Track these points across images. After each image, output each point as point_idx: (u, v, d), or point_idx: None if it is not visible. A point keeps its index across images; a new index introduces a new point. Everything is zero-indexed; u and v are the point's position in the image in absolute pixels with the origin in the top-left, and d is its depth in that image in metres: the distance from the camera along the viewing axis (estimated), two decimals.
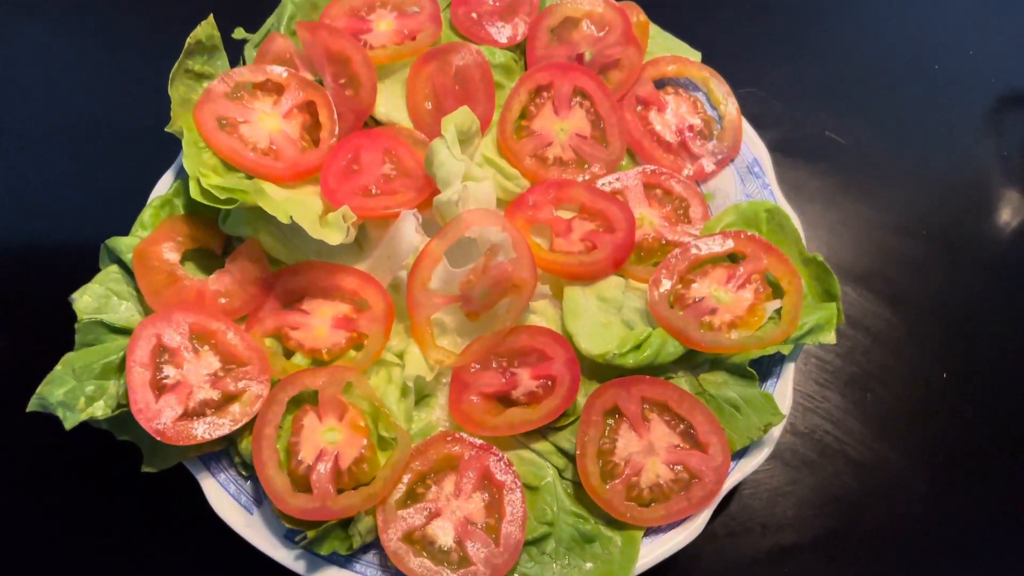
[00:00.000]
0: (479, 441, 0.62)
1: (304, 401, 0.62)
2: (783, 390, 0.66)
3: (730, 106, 0.76)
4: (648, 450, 0.62)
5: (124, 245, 0.66)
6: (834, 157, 0.86)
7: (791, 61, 0.81)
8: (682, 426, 0.63)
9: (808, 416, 0.76)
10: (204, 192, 0.63)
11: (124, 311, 0.65)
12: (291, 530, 0.60)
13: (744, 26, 0.79)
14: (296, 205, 0.65)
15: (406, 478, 0.61)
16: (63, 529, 0.70)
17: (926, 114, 0.89)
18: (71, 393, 0.60)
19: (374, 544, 0.61)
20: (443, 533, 0.59)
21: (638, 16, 0.77)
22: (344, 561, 0.61)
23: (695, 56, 0.78)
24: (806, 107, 0.77)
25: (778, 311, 0.66)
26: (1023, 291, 0.82)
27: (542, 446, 0.65)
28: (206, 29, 0.69)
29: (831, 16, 0.93)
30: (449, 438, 0.62)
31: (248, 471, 0.63)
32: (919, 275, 0.82)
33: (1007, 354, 0.79)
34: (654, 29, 0.79)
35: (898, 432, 0.75)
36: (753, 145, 0.76)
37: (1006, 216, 0.85)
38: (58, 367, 0.61)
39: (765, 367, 0.67)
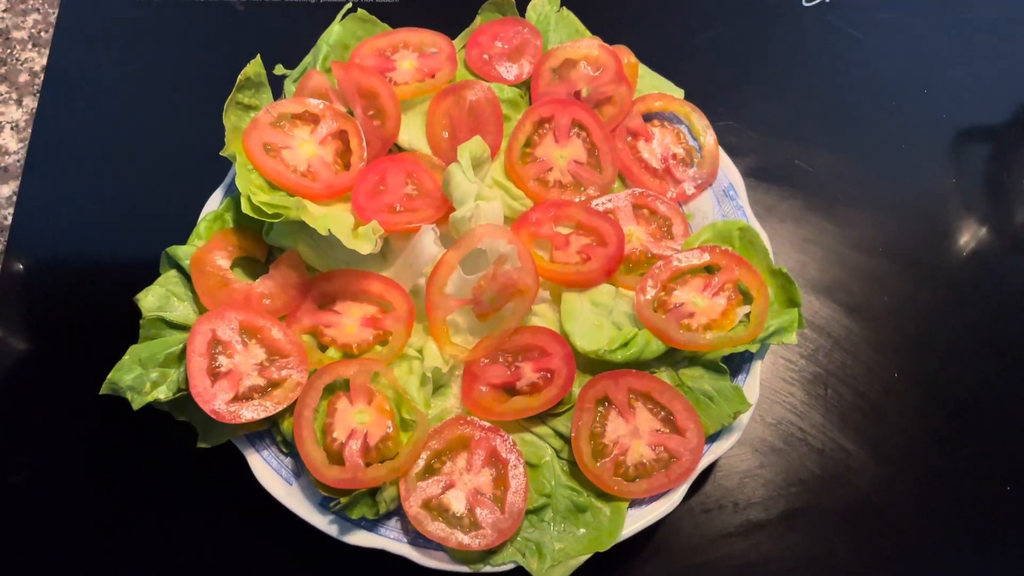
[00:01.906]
0: (488, 424, 0.72)
1: (337, 388, 0.72)
2: (751, 384, 0.76)
3: (708, 137, 0.86)
4: (633, 433, 0.72)
5: (182, 253, 0.76)
6: (801, 182, 0.96)
7: (764, 98, 0.91)
8: (663, 413, 0.73)
9: (775, 408, 0.85)
10: (255, 208, 0.73)
11: (182, 310, 0.75)
12: (325, 498, 0.70)
13: (723, 66, 0.89)
14: (332, 220, 0.75)
15: (425, 454, 0.70)
16: (129, 497, 0.80)
17: (885, 145, 0.99)
18: (138, 379, 0.70)
19: (396, 512, 0.71)
20: (456, 501, 0.69)
21: (629, 58, 0.87)
22: (371, 525, 0.70)
23: (678, 93, 0.89)
24: (777, 138, 0.87)
25: (747, 315, 0.76)
26: (968, 303, 0.91)
27: (542, 430, 0.74)
28: (254, 67, 0.80)
29: (799, 59, 1.04)
30: (462, 421, 0.72)
31: (288, 448, 0.72)
32: (875, 287, 0.91)
33: (952, 357, 0.88)
34: (643, 69, 0.89)
35: (854, 424, 0.85)
36: (729, 171, 0.86)
37: (955, 235, 0.95)
38: (126, 356, 0.71)
39: (736, 364, 0.77)
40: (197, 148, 0.84)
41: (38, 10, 1.06)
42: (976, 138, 1.01)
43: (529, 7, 0.90)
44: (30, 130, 0.99)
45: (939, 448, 0.84)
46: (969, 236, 0.95)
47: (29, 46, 1.04)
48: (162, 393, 0.70)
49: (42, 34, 1.04)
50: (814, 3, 1.03)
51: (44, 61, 1.03)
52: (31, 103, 1.00)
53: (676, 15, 0.98)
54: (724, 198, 0.85)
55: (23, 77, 1.02)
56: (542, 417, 0.74)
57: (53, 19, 1.05)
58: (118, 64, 1.01)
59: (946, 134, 1.01)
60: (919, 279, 0.92)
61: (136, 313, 0.74)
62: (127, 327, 0.74)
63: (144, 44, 1.03)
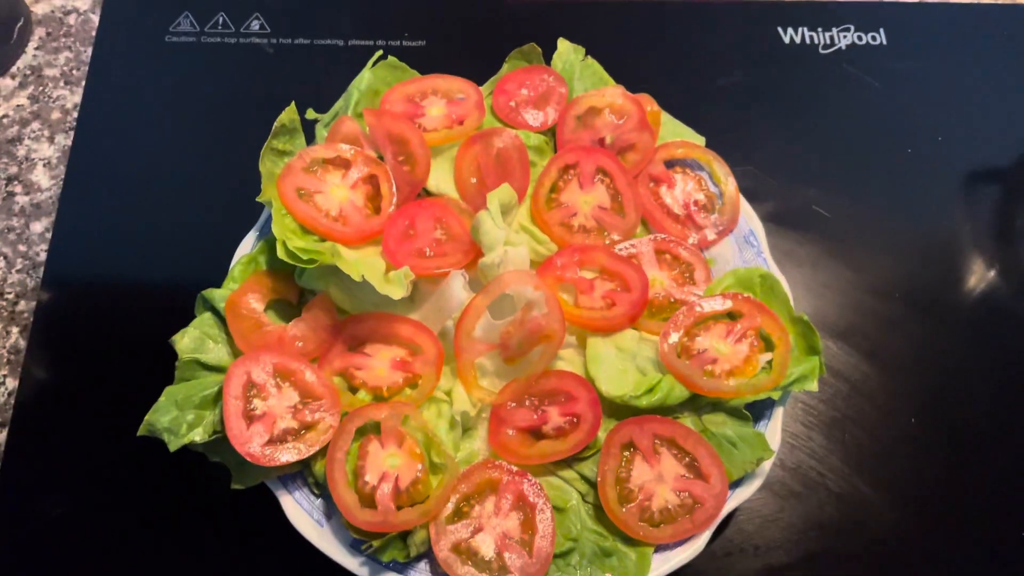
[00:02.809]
0: (515, 468, 0.73)
1: (368, 431, 0.74)
2: (773, 430, 0.78)
3: (730, 184, 0.88)
4: (659, 479, 0.74)
5: (217, 296, 0.77)
6: (819, 228, 0.98)
7: (782, 143, 0.93)
8: (687, 459, 0.74)
9: (795, 453, 0.87)
10: (290, 253, 0.75)
11: (216, 352, 0.77)
12: (356, 540, 0.71)
13: (742, 112, 0.90)
14: (364, 265, 0.76)
15: (454, 498, 0.72)
16: (163, 535, 0.81)
17: (899, 191, 1.01)
18: (175, 420, 0.72)
19: (427, 555, 0.72)
20: (485, 545, 0.71)
21: (651, 106, 0.90)
22: (401, 568, 0.71)
23: (700, 140, 0.91)
24: (795, 183, 0.89)
25: (769, 362, 0.77)
26: (982, 347, 0.93)
27: (568, 474, 0.76)
28: (288, 114, 0.82)
29: (816, 105, 1.06)
30: (490, 465, 0.74)
31: (320, 490, 0.74)
32: (892, 332, 0.93)
33: (968, 402, 0.90)
34: (665, 116, 0.91)
35: (872, 469, 0.86)
36: (749, 218, 0.88)
37: (971, 280, 0.96)
38: (162, 398, 0.73)
39: (758, 410, 0.78)
40: (228, 185, 0.87)
41: (70, 48, 1.08)
42: (989, 183, 1.03)
43: (555, 56, 0.92)
44: (62, 167, 1.00)
45: (955, 493, 0.85)
46: (983, 280, 0.97)
47: (61, 84, 1.06)
48: (198, 435, 0.72)
49: (74, 72, 1.07)
50: (831, 51, 1.05)
51: (76, 99, 1.05)
52: (63, 140, 1.02)
53: (697, 62, 1.00)
54: (745, 244, 0.87)
55: (55, 114, 1.04)
56: (568, 461, 0.76)
57: (85, 57, 1.07)
58: (150, 102, 1.03)
59: (960, 180, 1.02)
60: (935, 323, 0.94)
61: (171, 352, 0.76)
62: (163, 365, 0.76)
63: (175, 83, 1.05)
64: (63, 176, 1.00)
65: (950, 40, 1.11)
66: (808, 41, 1.08)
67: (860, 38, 1.08)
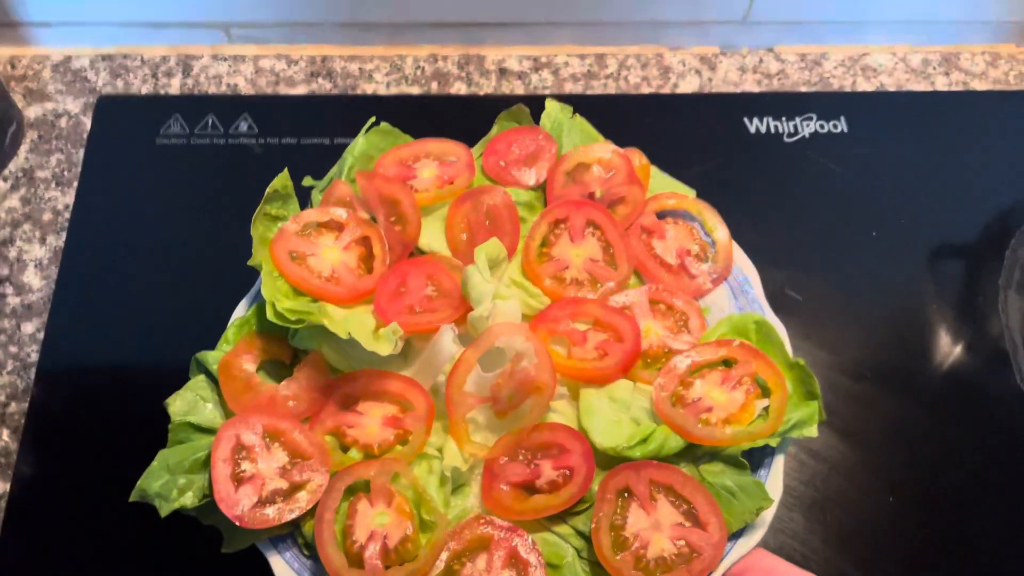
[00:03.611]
0: (507, 524, 0.72)
1: (358, 489, 0.73)
2: (774, 479, 0.75)
3: (721, 233, 0.88)
4: (655, 526, 0.71)
5: (211, 358, 0.78)
6: (793, 310, 0.99)
7: (753, 229, 0.92)
8: (685, 506, 0.72)
9: (778, 536, 0.86)
10: (278, 315, 0.76)
11: (208, 413, 0.77)
12: None
13: (715, 200, 0.91)
14: (353, 323, 0.77)
15: (444, 555, 0.70)
16: None
17: (868, 272, 1.03)
18: (165, 485, 0.72)
19: None
20: None
21: (640, 159, 0.91)
22: None
23: (690, 193, 0.91)
24: (768, 268, 0.90)
25: (766, 409, 0.76)
26: (954, 424, 0.93)
27: (563, 529, 0.74)
28: (282, 180, 0.84)
29: (784, 191, 1.09)
30: (482, 521, 0.72)
31: (310, 550, 0.73)
32: (866, 411, 0.94)
33: (941, 476, 0.90)
34: (654, 170, 0.92)
35: (853, 549, 0.86)
36: (744, 265, 0.87)
37: (939, 357, 0.97)
38: (155, 463, 0.73)
39: (757, 459, 0.76)
40: (219, 284, 0.90)
41: (61, 150, 1.10)
42: (953, 260, 1.05)
43: (543, 115, 0.94)
44: (53, 268, 1.02)
45: (936, 568, 0.85)
46: (951, 355, 0.97)
47: (53, 185, 1.08)
48: (188, 500, 0.72)
49: (65, 173, 1.09)
50: (795, 139, 1.08)
51: (67, 200, 1.07)
52: (54, 241, 1.04)
53: (669, 150, 1.00)
54: (739, 292, 0.86)
55: (47, 216, 1.07)
56: (563, 516, 0.74)
57: (76, 159, 1.09)
58: (141, 203, 1.05)
59: (925, 259, 1.04)
60: (906, 401, 0.95)
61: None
62: (154, 430, 0.76)
63: (165, 184, 1.07)
64: (55, 277, 1.01)
65: (908, 125, 1.14)
66: (773, 131, 1.12)
67: (822, 127, 1.12)
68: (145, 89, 1.15)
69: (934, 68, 1.20)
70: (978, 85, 1.18)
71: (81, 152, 1.07)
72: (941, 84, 1.18)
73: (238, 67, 1.17)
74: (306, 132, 1.11)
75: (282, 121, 1.12)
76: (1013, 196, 1.07)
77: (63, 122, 1.11)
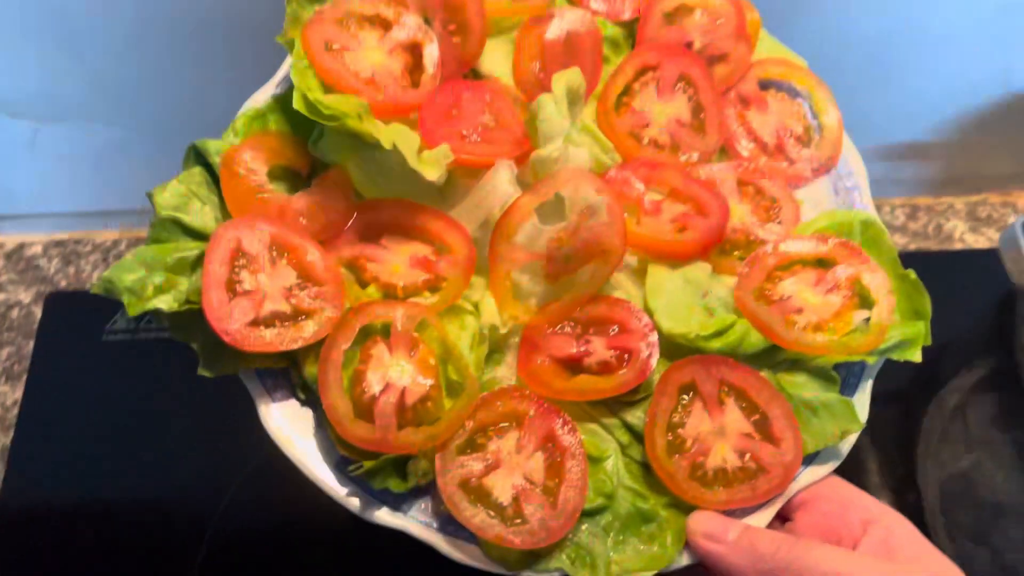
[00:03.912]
0: (549, 403, 0.60)
1: (375, 333, 0.60)
2: (860, 402, 0.64)
3: (832, 116, 0.75)
4: (719, 433, 0.60)
5: (213, 148, 0.63)
6: None
7: None
8: (757, 416, 0.61)
9: None
10: (308, 105, 0.61)
11: (202, 215, 0.63)
12: (344, 460, 0.58)
13: None
14: (398, 135, 0.63)
15: (469, 425, 0.58)
16: None
17: None
18: (139, 281, 0.58)
19: (427, 492, 0.59)
20: (500, 487, 0.57)
21: (752, 14, 0.76)
22: (395, 502, 0.58)
23: (802, 63, 0.77)
24: None
25: (866, 321, 0.64)
26: None
27: (609, 420, 0.62)
28: None
29: None
30: (518, 394, 0.60)
31: (307, 394, 0.60)
32: None
33: None
34: (764, 32, 0.78)
35: None
36: (852, 159, 0.75)
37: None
38: (128, 256, 0.59)
39: (844, 377, 0.65)
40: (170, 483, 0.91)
41: (12, 343, 1.06)
42: (889, 406, 0.96)
43: None
44: (0, 464, 0.96)
45: None
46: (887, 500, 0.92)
47: (3, 380, 1.03)
48: (165, 302, 0.58)
49: (15, 366, 1.04)
50: None
51: (16, 395, 1.01)
52: (2, 438, 0.99)
53: None
54: (843, 189, 0.73)
55: None
56: (610, 405, 0.62)
57: (26, 351, 1.04)
58: (88, 399, 1.01)
59: None
60: None
61: None
62: None
63: (111, 380, 1.02)
64: (2, 475, 0.95)
65: None
66: None
67: None
68: (96, 275, 1.12)
69: None
70: (899, 238, 1.16)
71: (31, 344, 1.04)
72: None
73: None
74: None
75: None
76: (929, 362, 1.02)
77: (14, 313, 1.08)
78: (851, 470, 0.90)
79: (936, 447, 0.94)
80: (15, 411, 1.00)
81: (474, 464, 0.57)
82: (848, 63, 0.92)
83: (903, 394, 0.99)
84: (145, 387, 1.01)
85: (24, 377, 1.02)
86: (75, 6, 0.87)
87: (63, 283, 1.11)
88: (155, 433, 0.98)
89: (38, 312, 1.07)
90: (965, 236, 1.16)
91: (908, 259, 1.06)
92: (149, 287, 0.58)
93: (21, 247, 1.13)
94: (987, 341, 1.03)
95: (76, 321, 1.06)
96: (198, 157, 0.64)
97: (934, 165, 1.17)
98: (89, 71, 0.94)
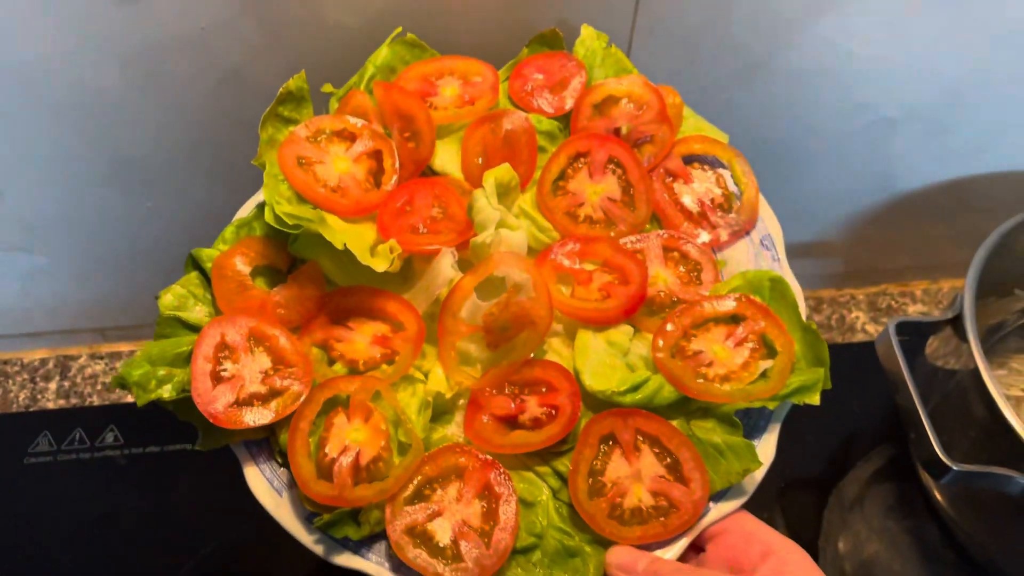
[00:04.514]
0: (485, 456, 0.70)
1: (339, 404, 0.71)
2: (767, 444, 0.72)
3: (750, 185, 0.83)
4: (635, 477, 0.69)
5: (206, 255, 0.77)
6: None
7: None
8: (669, 460, 0.69)
9: None
10: (276, 217, 0.73)
11: (198, 311, 0.76)
12: (312, 514, 0.69)
13: None
14: (352, 236, 0.75)
15: (416, 479, 0.69)
16: None
17: None
18: (145, 376, 0.71)
19: (382, 537, 0.69)
20: (441, 531, 0.67)
21: (673, 98, 0.86)
22: (355, 547, 0.68)
23: (723, 138, 0.86)
24: None
25: (768, 370, 0.72)
26: None
27: (542, 469, 0.72)
28: (296, 82, 0.81)
29: None
30: (458, 449, 0.70)
31: (284, 459, 0.72)
32: None
33: None
34: (687, 111, 0.87)
35: None
36: (768, 221, 0.83)
37: None
38: (138, 353, 0.72)
39: (753, 422, 0.73)
40: None
41: None
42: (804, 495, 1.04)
43: (577, 42, 0.89)
44: None
45: None
46: None
47: None
48: (166, 392, 0.71)
49: None
50: None
51: None
52: None
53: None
54: (761, 248, 0.82)
55: None
56: (543, 456, 0.72)
57: None
58: (15, 517, 1.05)
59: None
60: None
61: None
62: None
63: (34, 500, 1.07)
64: None
65: None
66: None
67: None
68: (23, 395, 1.17)
69: None
70: None
71: None
72: None
73: (114, 364, 1.19)
74: (170, 439, 1.11)
75: (147, 429, 1.12)
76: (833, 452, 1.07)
77: None
78: None
79: (837, 538, 0.98)
80: None
81: (419, 512, 0.67)
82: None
83: (812, 485, 1.04)
84: (67, 508, 1.06)
85: None
86: None
87: None
88: (77, 553, 1.02)
89: None
90: (867, 327, 1.22)
91: None
92: (152, 380, 0.70)
93: None
94: (885, 431, 1.07)
95: None
96: (194, 263, 0.78)
97: (835, 260, 1.25)
98: (13, 207, 1.02)
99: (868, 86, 1.01)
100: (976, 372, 0.78)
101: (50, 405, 1.17)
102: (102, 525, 1.03)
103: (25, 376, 1.19)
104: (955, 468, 0.75)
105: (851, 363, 1.09)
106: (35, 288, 1.13)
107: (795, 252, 1.16)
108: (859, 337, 1.21)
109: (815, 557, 0.93)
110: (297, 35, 0.89)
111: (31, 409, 1.16)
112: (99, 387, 1.18)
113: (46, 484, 1.08)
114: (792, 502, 1.04)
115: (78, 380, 1.19)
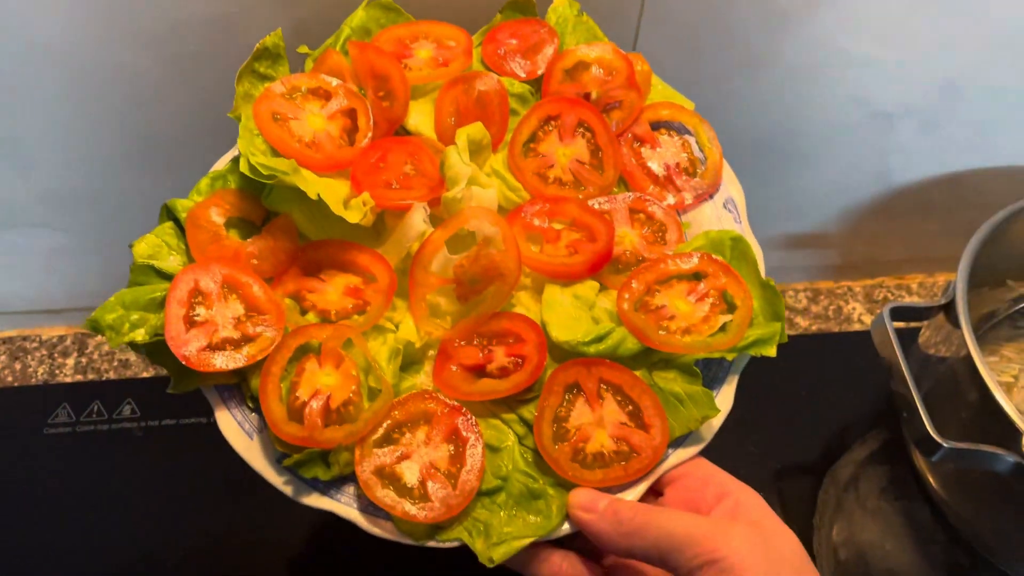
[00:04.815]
0: (453, 402, 0.72)
1: (310, 351, 0.73)
2: (725, 394, 0.75)
3: (715, 150, 0.86)
4: (598, 423, 0.71)
5: (181, 206, 0.78)
6: None
7: None
8: (631, 407, 0.72)
9: None
10: (251, 168, 0.74)
11: (172, 261, 0.77)
12: (282, 455, 0.70)
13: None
14: (325, 188, 0.76)
15: (385, 424, 0.71)
16: None
17: None
18: (118, 319, 0.72)
19: (350, 479, 0.71)
20: (409, 472, 0.69)
21: (642, 65, 0.88)
22: (324, 488, 0.70)
23: (689, 105, 0.89)
24: None
25: (728, 324, 0.75)
26: None
27: (508, 416, 0.74)
28: (273, 39, 0.82)
29: None
30: (427, 396, 0.72)
31: (255, 404, 0.73)
32: None
33: None
34: (655, 79, 0.90)
35: None
36: (731, 185, 0.86)
37: None
38: (111, 299, 0.73)
39: (713, 374, 0.76)
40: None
41: None
42: (799, 480, 1.07)
43: (549, 9, 0.91)
44: None
45: None
46: None
47: None
48: (139, 335, 0.72)
49: None
50: None
51: None
52: None
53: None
54: (723, 211, 0.84)
55: None
56: (510, 403, 0.74)
57: None
58: (29, 494, 1.08)
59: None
60: None
61: None
62: None
63: (53, 470, 1.10)
64: None
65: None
66: None
67: None
68: (41, 370, 1.19)
69: None
70: (801, 320, 1.26)
71: None
72: None
73: None
74: (185, 412, 1.14)
75: (164, 403, 1.13)
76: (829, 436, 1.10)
77: None
78: None
79: (831, 518, 1.01)
80: None
81: (388, 455, 0.69)
82: (749, 160, 1.05)
83: (808, 468, 1.07)
84: (87, 477, 1.08)
85: None
86: (27, 131, 1.00)
87: (9, 378, 1.18)
88: (97, 522, 1.05)
89: None
90: (863, 317, 1.26)
91: (810, 339, 1.18)
92: (126, 324, 0.71)
93: None
94: (880, 416, 1.11)
95: (17, 414, 1.14)
96: (169, 213, 0.79)
97: (832, 252, 1.28)
98: (38, 184, 1.05)
99: (864, 81, 1.04)
100: (968, 358, 0.81)
101: (68, 380, 1.18)
102: (118, 494, 1.06)
103: (44, 352, 1.21)
104: (946, 445, 0.77)
105: (848, 352, 1.17)
106: (58, 265, 1.15)
107: (793, 244, 1.22)
108: (856, 327, 1.24)
109: (809, 536, 0.99)
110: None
111: (50, 383, 1.17)
112: (116, 364, 1.20)
113: (65, 454, 1.10)
114: (789, 484, 1.07)
115: (95, 356, 1.20)
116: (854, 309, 1.26)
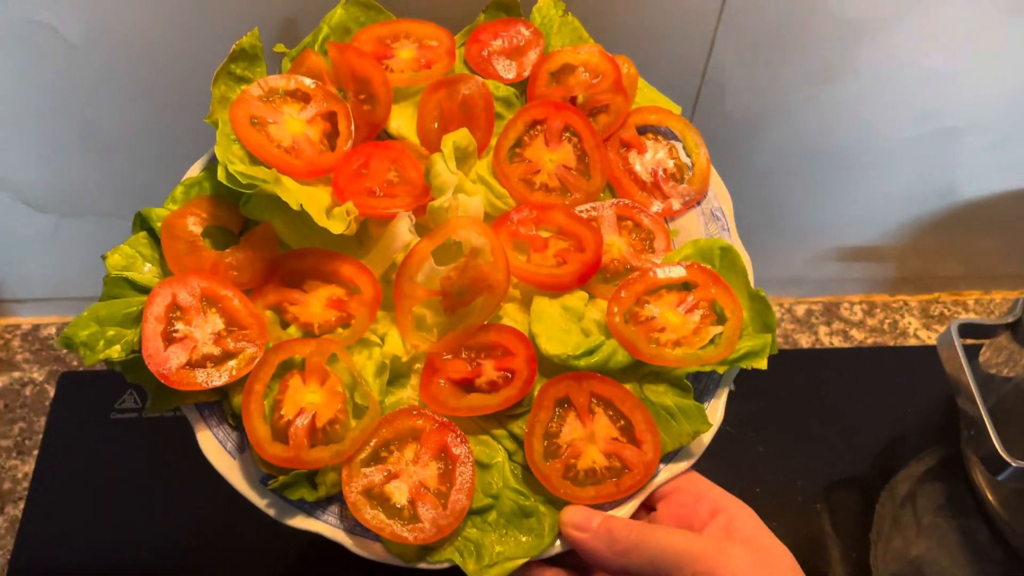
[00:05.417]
0: (442, 418, 0.70)
1: (294, 367, 0.71)
2: (715, 407, 0.74)
3: (702, 156, 0.85)
4: (589, 438, 0.70)
5: (155, 215, 0.75)
6: None
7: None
8: (622, 422, 0.71)
9: None
10: (229, 176, 0.72)
11: (147, 272, 0.74)
12: (267, 476, 0.68)
13: None
14: (307, 197, 0.74)
15: (373, 442, 0.69)
16: None
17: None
18: (93, 336, 0.69)
19: (338, 498, 0.69)
20: (398, 492, 0.67)
21: (629, 68, 0.87)
22: (310, 509, 0.68)
23: (676, 109, 0.88)
24: None
25: (719, 335, 0.74)
26: None
27: (498, 431, 0.73)
28: (250, 39, 0.79)
29: None
30: (415, 412, 0.70)
31: (236, 422, 0.71)
32: None
33: None
34: (642, 82, 0.88)
35: None
36: (719, 192, 0.85)
37: None
38: (84, 313, 0.70)
39: (704, 386, 0.75)
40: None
41: (24, 419, 1.13)
42: (850, 494, 1.07)
43: (534, 9, 0.89)
44: (10, 537, 1.03)
45: None
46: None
47: (14, 454, 1.10)
48: (115, 352, 0.69)
49: (26, 442, 1.11)
50: None
51: (27, 468, 1.09)
52: (12, 510, 1.05)
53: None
54: (711, 218, 0.83)
55: (7, 485, 1.07)
56: (499, 419, 0.73)
57: (38, 427, 1.12)
58: (96, 476, 1.08)
59: (807, 512, 1.05)
60: None
61: None
62: None
63: (120, 455, 1.10)
64: (10, 548, 1.01)
65: (791, 380, 1.15)
66: None
67: None
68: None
69: (816, 318, 1.26)
70: (856, 333, 1.25)
71: (43, 420, 1.11)
72: (823, 332, 1.25)
73: None
74: None
75: None
76: (883, 450, 1.10)
77: (28, 390, 1.15)
78: (814, 557, 1.00)
79: (888, 534, 1.00)
80: (26, 484, 1.07)
81: (376, 474, 0.68)
82: (808, 173, 1.05)
83: (861, 482, 1.07)
84: (151, 462, 1.08)
85: (35, 452, 1.09)
86: (106, 119, 0.99)
87: (74, 363, 1.18)
88: (161, 506, 1.05)
89: (51, 390, 1.15)
90: (919, 332, 1.26)
91: (865, 353, 1.18)
92: (101, 341, 0.69)
93: (36, 328, 1.21)
94: (936, 432, 1.11)
95: (86, 399, 1.13)
96: (143, 223, 0.76)
97: (889, 266, 1.27)
98: (112, 173, 1.04)
99: (933, 95, 1.03)
100: None
101: None
102: (185, 480, 1.05)
103: None
104: (1014, 464, 0.78)
105: (903, 367, 1.17)
106: None
107: (849, 256, 1.22)
108: (911, 342, 1.24)
109: (866, 551, 0.99)
110: None
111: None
112: None
113: (131, 438, 1.10)
114: (840, 499, 1.07)
115: None
116: (910, 324, 1.26)
